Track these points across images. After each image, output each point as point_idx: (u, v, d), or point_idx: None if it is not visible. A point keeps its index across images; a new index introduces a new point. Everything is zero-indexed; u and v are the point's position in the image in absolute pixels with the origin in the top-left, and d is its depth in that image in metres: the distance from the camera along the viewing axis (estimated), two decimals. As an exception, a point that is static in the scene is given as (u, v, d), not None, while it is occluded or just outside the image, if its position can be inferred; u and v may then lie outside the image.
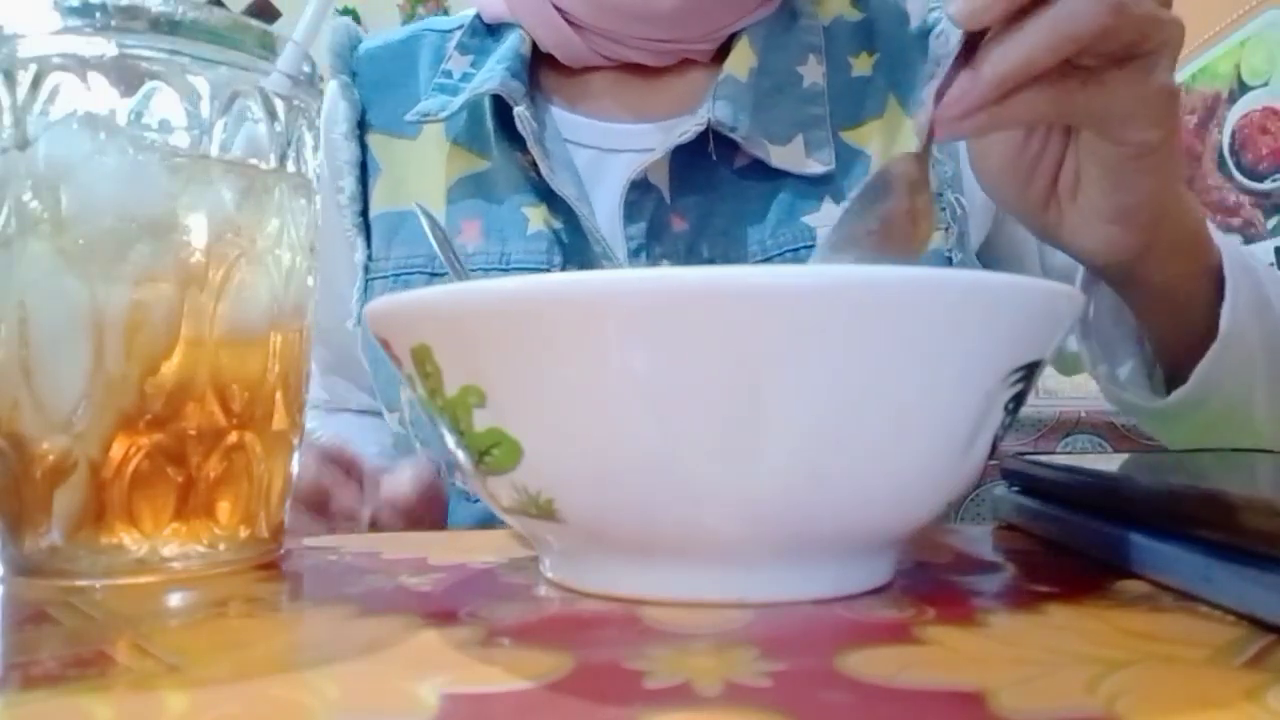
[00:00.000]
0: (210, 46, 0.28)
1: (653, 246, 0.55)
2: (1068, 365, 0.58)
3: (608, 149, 0.59)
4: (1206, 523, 0.22)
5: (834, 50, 0.60)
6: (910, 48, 0.60)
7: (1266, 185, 0.77)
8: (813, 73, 0.59)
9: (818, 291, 0.19)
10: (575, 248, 0.55)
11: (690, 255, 0.55)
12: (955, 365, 0.21)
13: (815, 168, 0.56)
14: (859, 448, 0.20)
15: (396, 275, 0.59)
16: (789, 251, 0.55)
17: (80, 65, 0.26)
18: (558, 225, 0.56)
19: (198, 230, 0.27)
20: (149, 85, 0.27)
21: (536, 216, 0.56)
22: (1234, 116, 0.82)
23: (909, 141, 0.57)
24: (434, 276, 0.58)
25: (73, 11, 0.26)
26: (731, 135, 0.55)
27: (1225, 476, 0.32)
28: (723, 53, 0.59)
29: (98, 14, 0.26)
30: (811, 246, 0.55)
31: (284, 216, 0.29)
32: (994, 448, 0.23)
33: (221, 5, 0.31)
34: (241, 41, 0.28)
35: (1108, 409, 0.70)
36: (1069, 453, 0.49)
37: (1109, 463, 0.35)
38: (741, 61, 0.58)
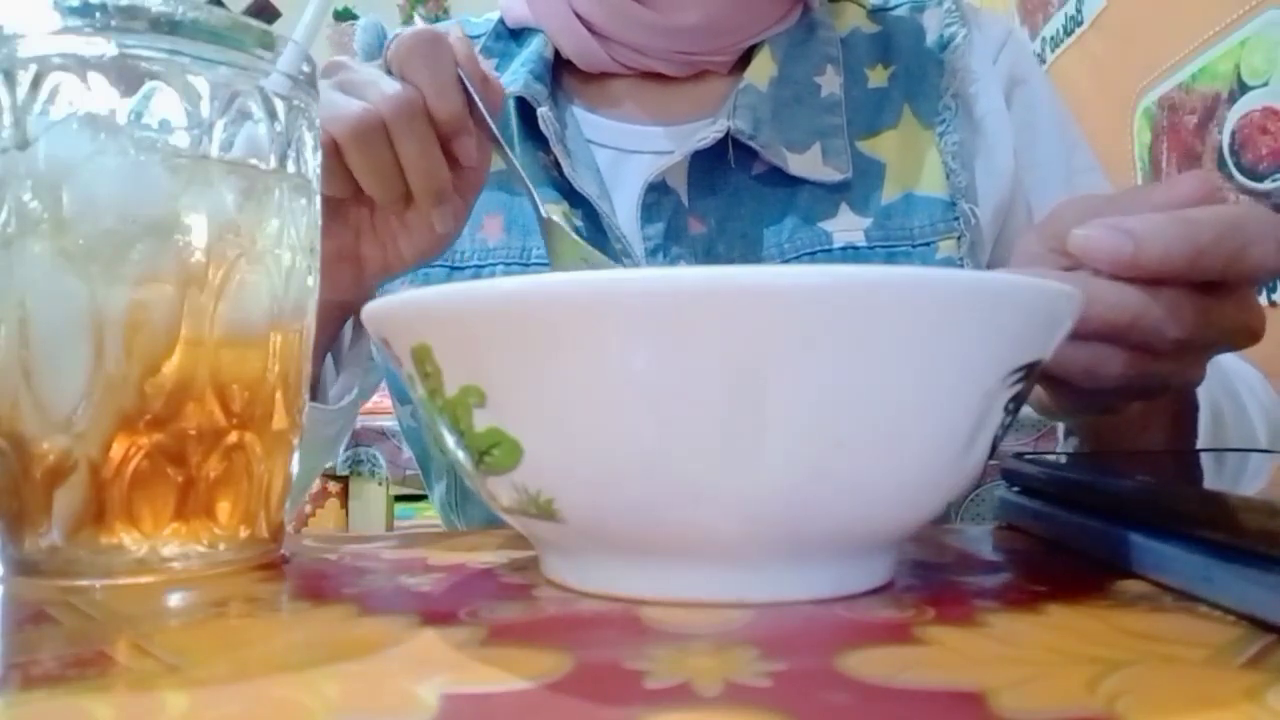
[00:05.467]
0: (210, 46, 0.28)
1: (670, 247, 0.56)
2: None
3: (627, 150, 0.60)
4: (1206, 523, 0.22)
5: (851, 62, 0.61)
6: (926, 62, 0.61)
7: (1266, 185, 0.77)
8: (830, 83, 0.60)
9: (818, 291, 0.19)
10: (596, 245, 0.56)
11: (708, 256, 0.56)
12: (955, 365, 0.21)
13: (832, 175, 0.57)
14: (859, 448, 0.20)
15: (415, 269, 0.59)
16: (805, 255, 0.56)
17: (80, 65, 0.26)
18: (579, 223, 0.57)
19: (198, 230, 0.27)
20: (149, 85, 0.27)
21: (558, 214, 0.57)
22: (1234, 116, 0.82)
23: (923, 152, 0.59)
24: (456, 270, 0.58)
25: (73, 11, 0.26)
26: (750, 143, 0.56)
27: (1225, 476, 0.32)
28: (740, 63, 0.60)
29: (98, 14, 0.26)
30: (828, 250, 0.56)
31: (284, 217, 0.29)
32: (994, 448, 0.23)
33: (221, 5, 0.31)
34: (241, 41, 0.28)
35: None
36: (1069, 453, 0.49)
37: (1109, 463, 0.35)
38: (762, 71, 0.59)
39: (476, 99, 0.44)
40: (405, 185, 0.44)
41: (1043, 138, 0.61)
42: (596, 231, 0.57)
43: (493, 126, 0.46)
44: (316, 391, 0.56)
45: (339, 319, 0.55)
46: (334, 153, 0.42)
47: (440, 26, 0.69)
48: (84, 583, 0.26)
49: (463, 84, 0.44)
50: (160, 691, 0.17)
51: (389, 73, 0.44)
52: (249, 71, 0.28)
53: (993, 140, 0.59)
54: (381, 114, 0.41)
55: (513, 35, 0.65)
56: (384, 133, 0.42)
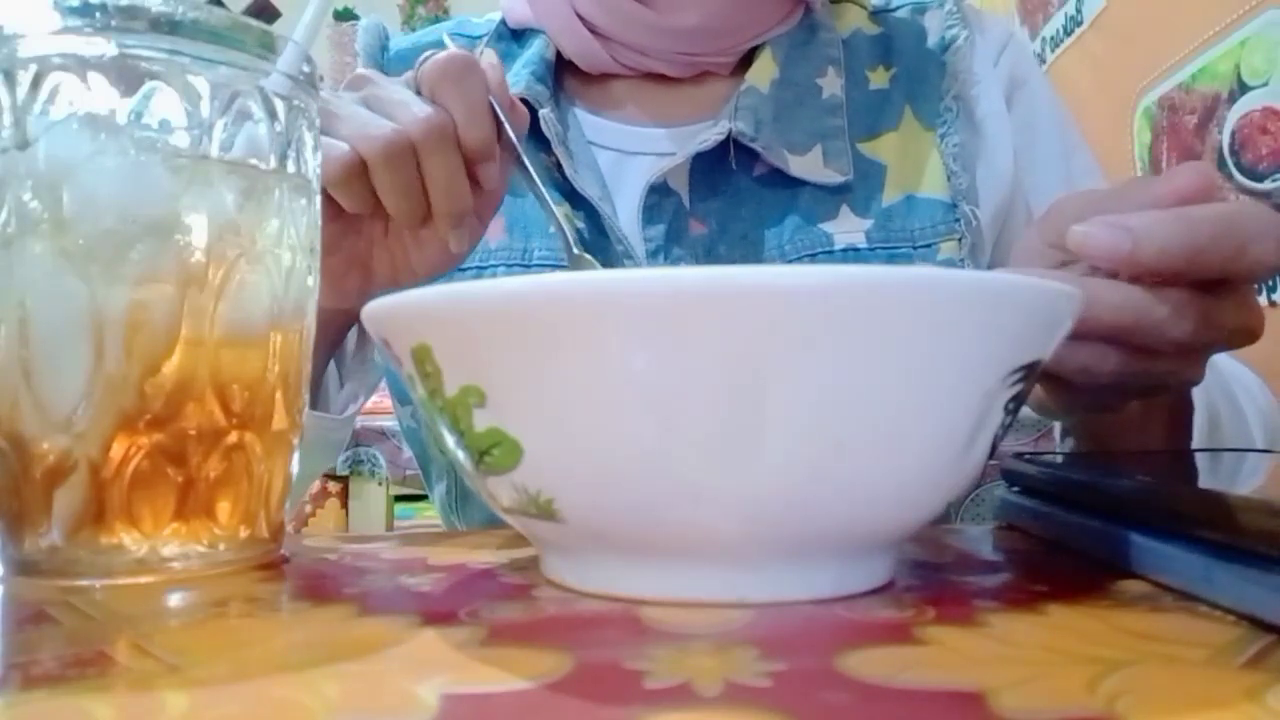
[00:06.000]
0: (210, 46, 0.28)
1: (671, 249, 0.56)
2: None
3: (628, 151, 0.60)
4: (1206, 523, 0.22)
5: (852, 63, 0.61)
6: (927, 63, 0.61)
7: (1266, 185, 0.77)
8: (831, 85, 0.60)
9: (818, 291, 0.19)
10: (598, 246, 0.56)
11: (709, 258, 0.56)
12: (955, 365, 0.21)
13: (833, 177, 0.57)
14: (859, 448, 0.20)
15: (421, 283, 0.59)
16: (806, 256, 0.56)
17: (80, 65, 0.26)
18: (580, 224, 0.57)
19: (198, 230, 0.27)
20: (149, 85, 0.27)
21: (559, 215, 0.57)
22: (1234, 116, 0.82)
23: (924, 154, 0.59)
24: (458, 271, 0.58)
25: (73, 11, 0.26)
26: (752, 145, 0.56)
27: (1225, 476, 0.32)
28: (742, 64, 0.60)
29: (98, 14, 0.26)
30: (829, 252, 0.56)
31: (284, 217, 0.29)
32: (994, 448, 0.23)
33: (221, 5, 0.31)
34: (241, 41, 0.28)
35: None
36: (1069, 453, 0.49)
37: (1109, 463, 0.35)
38: (763, 73, 0.59)
39: (506, 126, 0.45)
40: (427, 205, 0.44)
41: (1042, 140, 0.61)
42: (598, 233, 0.57)
43: (521, 154, 0.46)
44: (318, 398, 0.56)
45: (343, 326, 0.55)
46: (359, 169, 0.42)
47: (442, 26, 0.69)
48: (84, 583, 0.26)
49: (493, 110, 0.44)
50: (160, 691, 0.17)
51: (417, 92, 0.44)
52: (249, 71, 0.28)
53: (993, 142, 0.59)
54: (412, 137, 0.42)
55: (514, 36, 0.65)
56: (413, 155, 0.42)
